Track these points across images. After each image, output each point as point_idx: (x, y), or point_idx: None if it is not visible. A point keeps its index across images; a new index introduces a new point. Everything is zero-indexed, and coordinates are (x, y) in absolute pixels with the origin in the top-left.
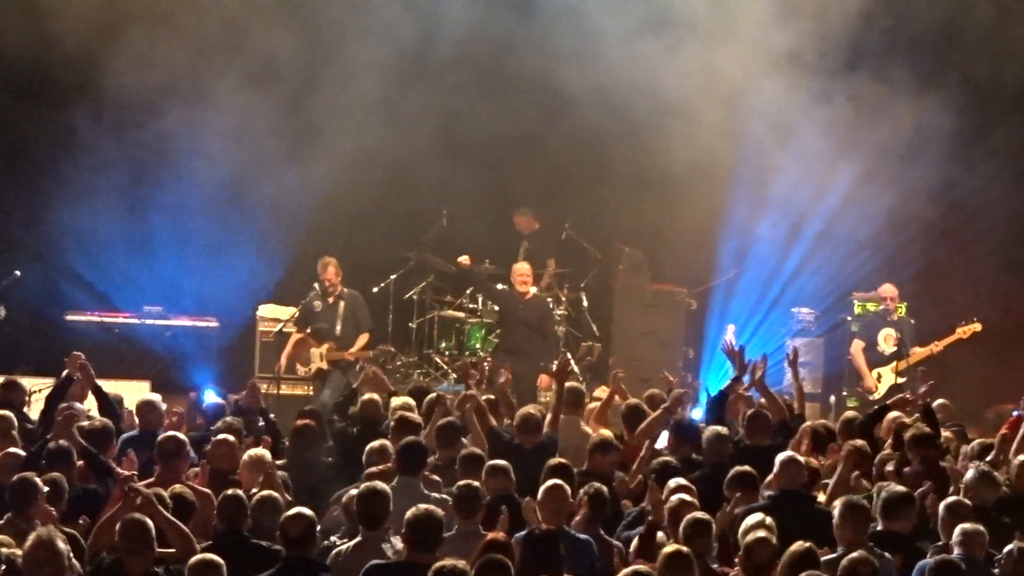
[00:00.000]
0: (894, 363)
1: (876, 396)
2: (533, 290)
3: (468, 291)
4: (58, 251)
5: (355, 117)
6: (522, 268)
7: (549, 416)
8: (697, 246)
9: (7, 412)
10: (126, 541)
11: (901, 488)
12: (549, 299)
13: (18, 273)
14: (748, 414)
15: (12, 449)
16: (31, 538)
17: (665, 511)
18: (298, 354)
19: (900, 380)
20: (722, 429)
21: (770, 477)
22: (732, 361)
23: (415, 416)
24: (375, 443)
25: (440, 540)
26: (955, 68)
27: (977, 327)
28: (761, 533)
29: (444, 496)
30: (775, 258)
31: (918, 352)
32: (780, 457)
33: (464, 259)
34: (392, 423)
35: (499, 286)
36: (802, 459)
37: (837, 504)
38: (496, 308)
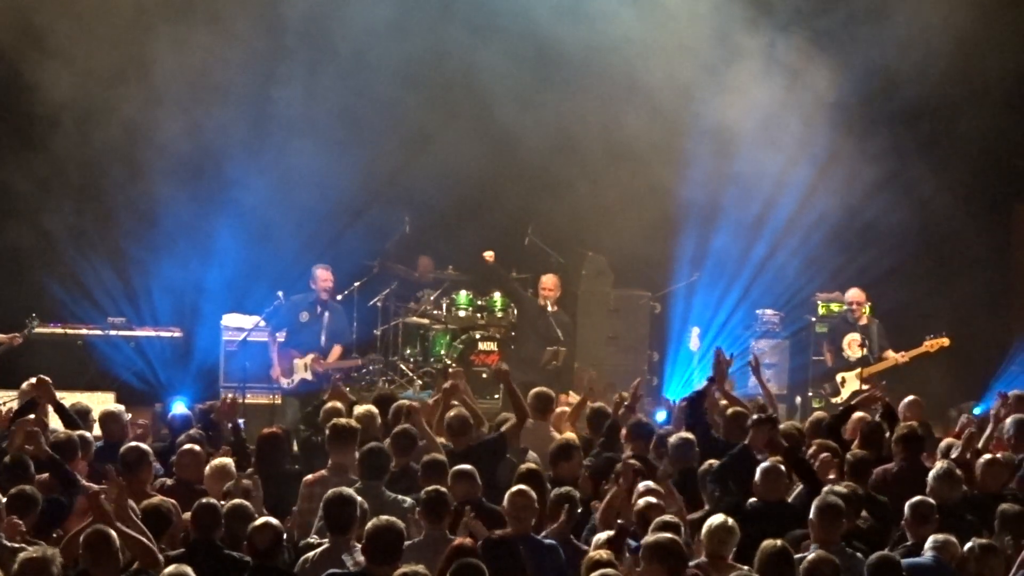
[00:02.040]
0: (859, 369)
1: (839, 400)
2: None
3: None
4: (19, 261)
5: (321, 120)
6: (548, 281)
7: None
8: (658, 249)
9: None
10: (90, 554)
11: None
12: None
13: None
14: (728, 413)
15: None
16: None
17: (634, 513)
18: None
19: (864, 387)
20: (687, 434)
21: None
22: (718, 368)
23: (347, 422)
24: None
25: (400, 552)
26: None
27: (945, 342)
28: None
29: (410, 500)
30: (737, 260)
31: (884, 360)
32: (762, 466)
33: (489, 254)
34: (327, 431)
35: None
36: (783, 467)
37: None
38: (515, 313)
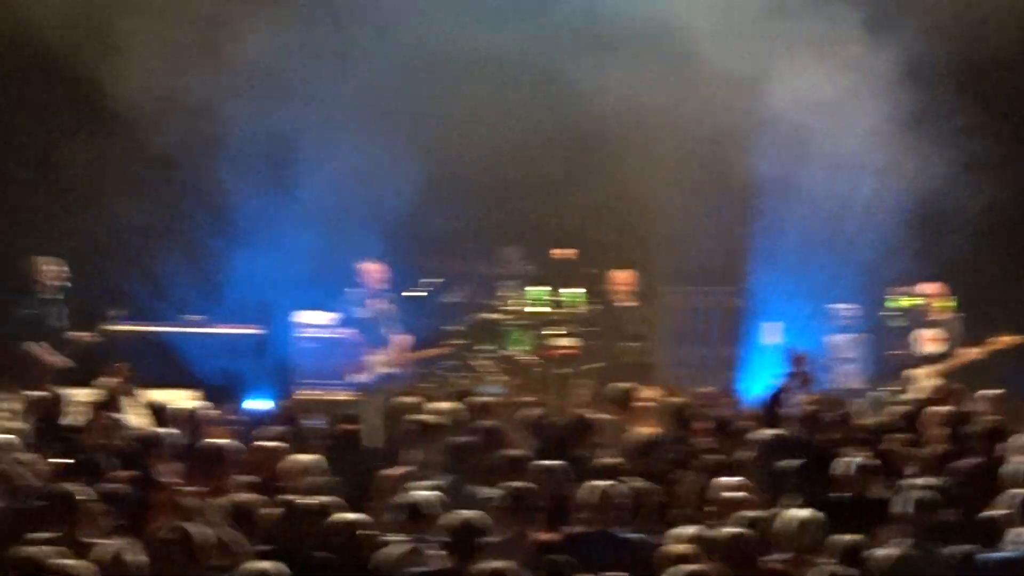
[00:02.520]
0: (932, 365)
1: (909, 396)
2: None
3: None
4: (97, 258)
5: (393, 114)
6: (623, 276)
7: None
8: (736, 244)
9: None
10: (169, 550)
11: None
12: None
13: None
14: (807, 411)
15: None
16: (105, 552)
17: (715, 506)
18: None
19: (937, 382)
20: (772, 430)
21: None
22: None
23: (435, 419)
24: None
25: (482, 547)
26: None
27: (1010, 339)
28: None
29: (492, 495)
30: (815, 253)
31: (962, 355)
32: (844, 460)
33: (562, 252)
34: (410, 426)
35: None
36: (865, 461)
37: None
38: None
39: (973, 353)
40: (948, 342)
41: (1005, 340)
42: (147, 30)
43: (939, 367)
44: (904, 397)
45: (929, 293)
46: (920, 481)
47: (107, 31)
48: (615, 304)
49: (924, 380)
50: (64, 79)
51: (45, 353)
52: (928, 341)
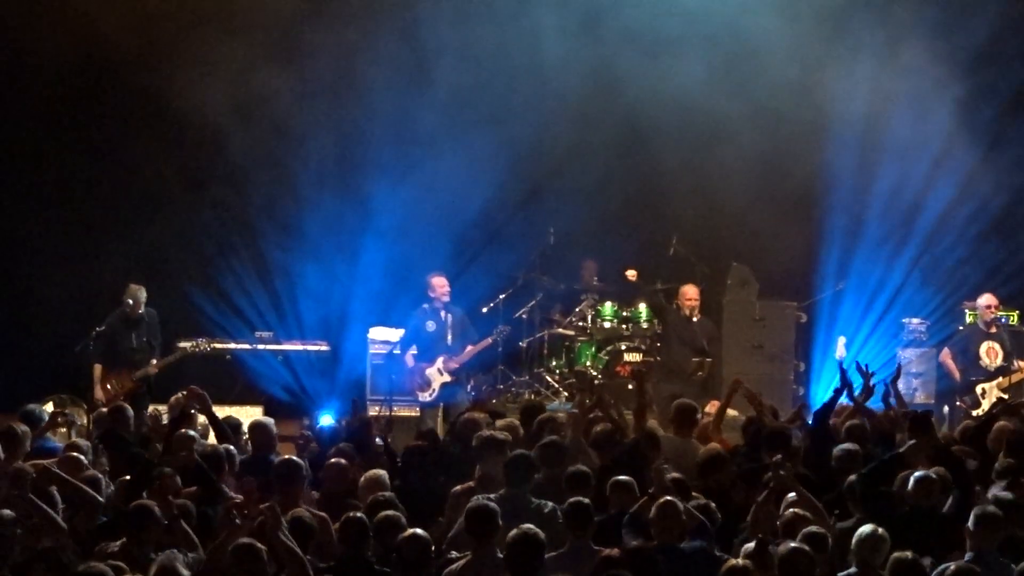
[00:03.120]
0: (999, 378)
1: (980, 412)
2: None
3: (638, 304)
4: (169, 276)
5: (464, 130)
6: (690, 291)
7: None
8: (803, 258)
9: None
10: (237, 566)
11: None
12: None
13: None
14: (848, 425)
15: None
16: (155, 565)
17: (780, 524)
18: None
19: (1005, 396)
20: (849, 445)
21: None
22: (859, 377)
23: (501, 434)
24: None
25: (541, 562)
26: None
27: None
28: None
29: (551, 505)
30: (884, 267)
31: (1020, 370)
32: (916, 474)
33: (631, 273)
34: (476, 442)
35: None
36: (935, 476)
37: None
38: (657, 324)
39: None
40: (1007, 355)
41: None
42: (217, 41)
43: (1001, 381)
44: (977, 413)
45: (987, 305)
46: (1003, 495)
47: (178, 43)
48: (685, 318)
49: (992, 393)
50: (135, 92)
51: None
52: (992, 354)
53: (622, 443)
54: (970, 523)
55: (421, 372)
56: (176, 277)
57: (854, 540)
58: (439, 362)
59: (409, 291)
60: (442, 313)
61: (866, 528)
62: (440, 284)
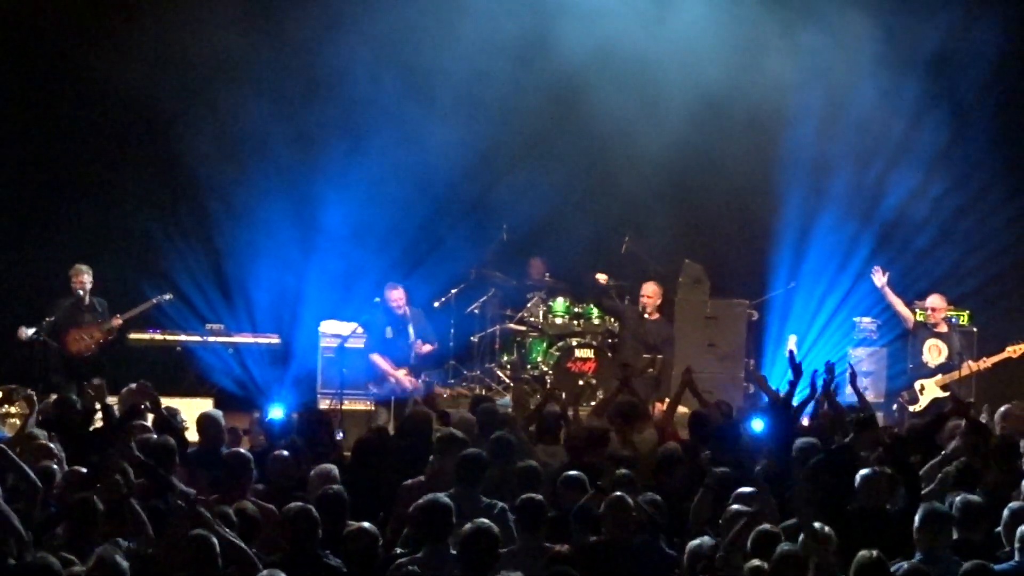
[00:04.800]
0: (938, 376)
1: (918, 408)
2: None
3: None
4: (119, 268)
5: (419, 127)
6: (647, 288)
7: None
8: (755, 257)
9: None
10: (189, 559)
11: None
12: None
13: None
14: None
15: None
16: (92, 557)
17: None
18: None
19: (944, 394)
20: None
21: None
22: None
23: (452, 430)
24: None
25: (496, 558)
26: None
27: None
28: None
29: (501, 505)
30: (834, 267)
31: (967, 368)
32: (863, 472)
33: (602, 277)
34: (437, 438)
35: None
36: (884, 473)
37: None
38: (610, 321)
39: (976, 366)
40: (953, 354)
41: (1016, 348)
42: (167, 28)
43: (943, 378)
44: (914, 409)
45: (932, 305)
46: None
47: (126, 27)
48: (640, 315)
49: (931, 391)
50: (83, 77)
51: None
52: (934, 351)
53: (571, 438)
54: (916, 523)
55: (378, 365)
56: (126, 268)
57: (800, 537)
58: (401, 373)
59: (361, 284)
60: (401, 323)
61: (815, 526)
62: (394, 297)
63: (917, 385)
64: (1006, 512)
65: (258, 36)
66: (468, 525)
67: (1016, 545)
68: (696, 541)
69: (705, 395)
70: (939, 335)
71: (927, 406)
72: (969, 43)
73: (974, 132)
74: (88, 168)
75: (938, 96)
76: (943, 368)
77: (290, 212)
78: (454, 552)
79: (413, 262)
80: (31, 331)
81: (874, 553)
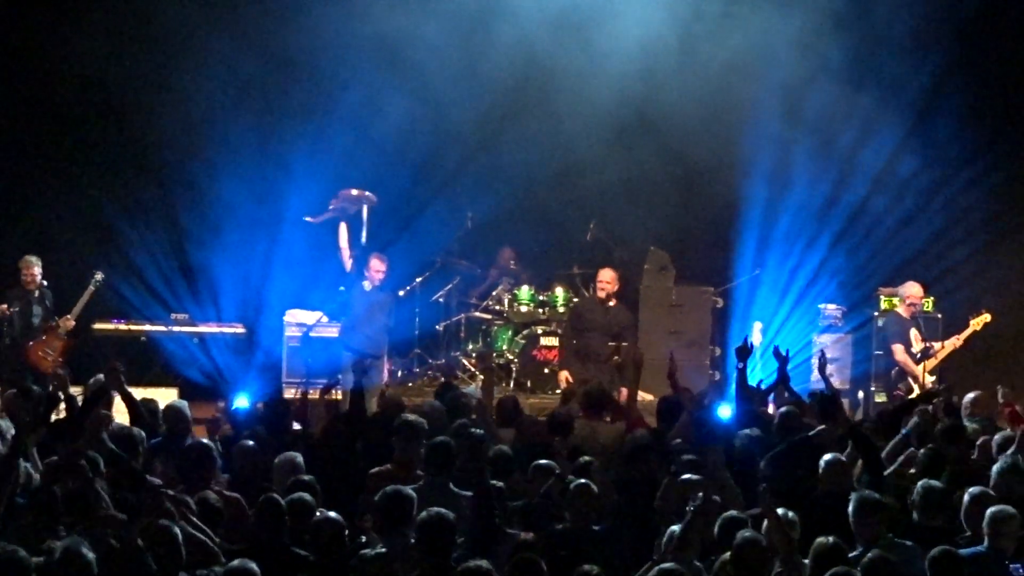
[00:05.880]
0: (924, 362)
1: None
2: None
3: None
4: (83, 257)
5: (384, 116)
6: (605, 275)
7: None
8: (720, 244)
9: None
10: (153, 549)
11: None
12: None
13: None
14: (782, 412)
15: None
16: (59, 549)
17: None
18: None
19: (931, 379)
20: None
21: None
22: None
23: (414, 418)
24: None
25: (453, 543)
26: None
27: (987, 317)
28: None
29: (470, 493)
30: (799, 254)
31: (943, 348)
32: (826, 458)
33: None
34: (396, 426)
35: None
36: (844, 458)
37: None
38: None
39: (947, 344)
40: (924, 339)
41: (978, 321)
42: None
43: (927, 364)
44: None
45: (920, 295)
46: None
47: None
48: (598, 302)
49: (923, 377)
50: (36, 63)
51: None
52: (917, 339)
53: (536, 425)
54: (851, 513)
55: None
56: (90, 258)
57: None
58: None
59: (326, 274)
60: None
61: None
62: (376, 267)
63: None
64: (966, 498)
65: (219, 13)
66: (424, 513)
67: (985, 530)
68: (674, 527)
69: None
70: (913, 323)
71: (919, 393)
72: (932, 28)
73: (938, 117)
74: (42, 151)
75: (901, 80)
76: (925, 353)
77: (253, 202)
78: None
79: (377, 250)
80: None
81: (831, 539)
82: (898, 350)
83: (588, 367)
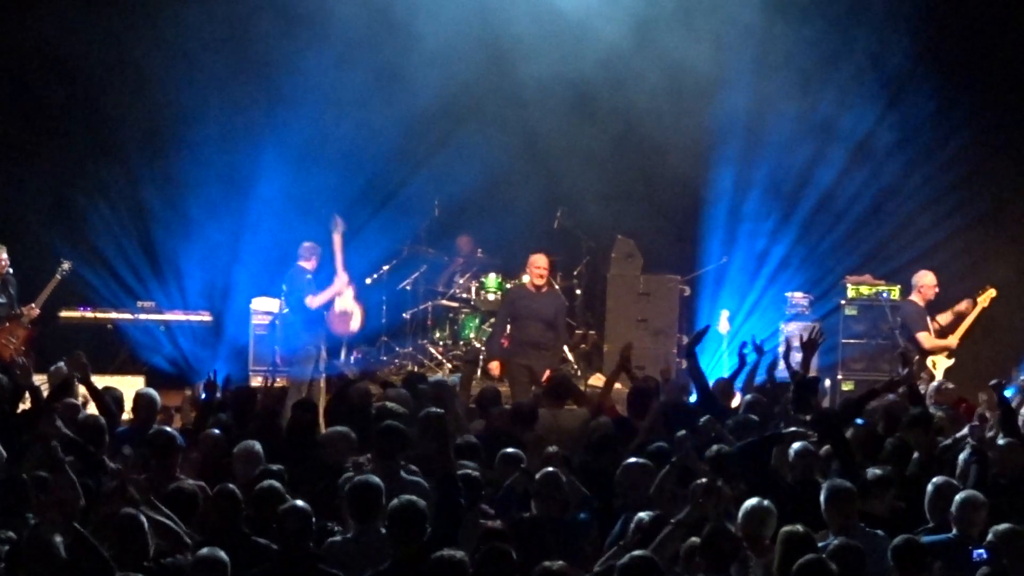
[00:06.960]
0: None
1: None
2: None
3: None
4: (47, 245)
5: (350, 102)
6: (538, 260)
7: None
8: (687, 232)
9: None
10: (119, 538)
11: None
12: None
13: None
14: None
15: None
16: (26, 536)
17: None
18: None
19: (949, 362)
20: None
21: None
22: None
23: (384, 406)
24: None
25: (423, 532)
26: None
27: (992, 292)
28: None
29: (421, 481)
30: (767, 242)
31: (961, 327)
32: (795, 447)
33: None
34: (374, 413)
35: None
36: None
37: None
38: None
39: (967, 324)
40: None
41: (984, 297)
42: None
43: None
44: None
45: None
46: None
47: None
48: (531, 289)
49: (941, 363)
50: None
51: None
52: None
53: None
54: (823, 501)
55: (308, 341)
56: (55, 246)
57: (740, 512)
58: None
59: (292, 262)
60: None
61: (752, 501)
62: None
63: (929, 361)
64: (930, 487)
65: (188, 3)
66: (395, 501)
67: (954, 517)
68: (642, 514)
69: (636, 371)
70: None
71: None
72: (898, 18)
73: (905, 104)
74: (4, 137)
75: (868, 69)
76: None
77: (220, 188)
78: (384, 531)
79: (344, 238)
80: None
81: (800, 528)
82: (925, 338)
83: (529, 355)
